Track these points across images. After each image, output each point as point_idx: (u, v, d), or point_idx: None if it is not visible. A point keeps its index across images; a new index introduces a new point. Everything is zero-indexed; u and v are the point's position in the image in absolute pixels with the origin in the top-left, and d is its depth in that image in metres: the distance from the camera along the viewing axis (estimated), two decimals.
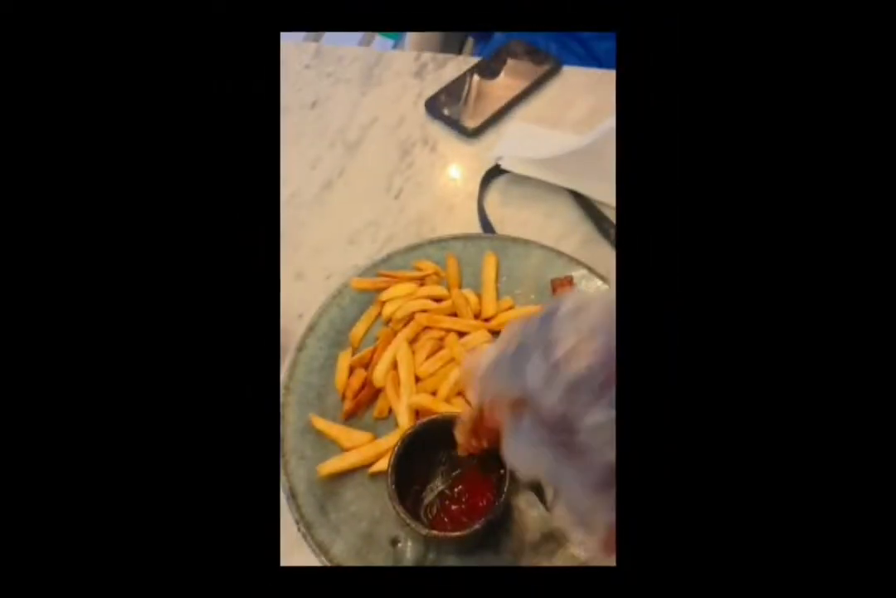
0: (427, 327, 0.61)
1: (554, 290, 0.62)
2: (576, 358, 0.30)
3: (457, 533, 0.48)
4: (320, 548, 0.52)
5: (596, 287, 0.63)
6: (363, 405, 0.59)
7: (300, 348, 0.62)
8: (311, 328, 0.63)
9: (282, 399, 0.59)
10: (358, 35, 1.26)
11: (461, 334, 0.61)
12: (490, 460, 0.50)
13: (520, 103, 0.80)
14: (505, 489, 0.48)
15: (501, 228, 0.70)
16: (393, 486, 0.49)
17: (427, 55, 0.86)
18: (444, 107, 0.80)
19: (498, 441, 0.37)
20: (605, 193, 0.70)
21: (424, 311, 0.62)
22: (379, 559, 0.52)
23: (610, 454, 0.29)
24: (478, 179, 0.73)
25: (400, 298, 0.63)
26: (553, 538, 0.53)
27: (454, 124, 0.78)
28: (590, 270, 0.63)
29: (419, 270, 0.65)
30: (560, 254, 0.65)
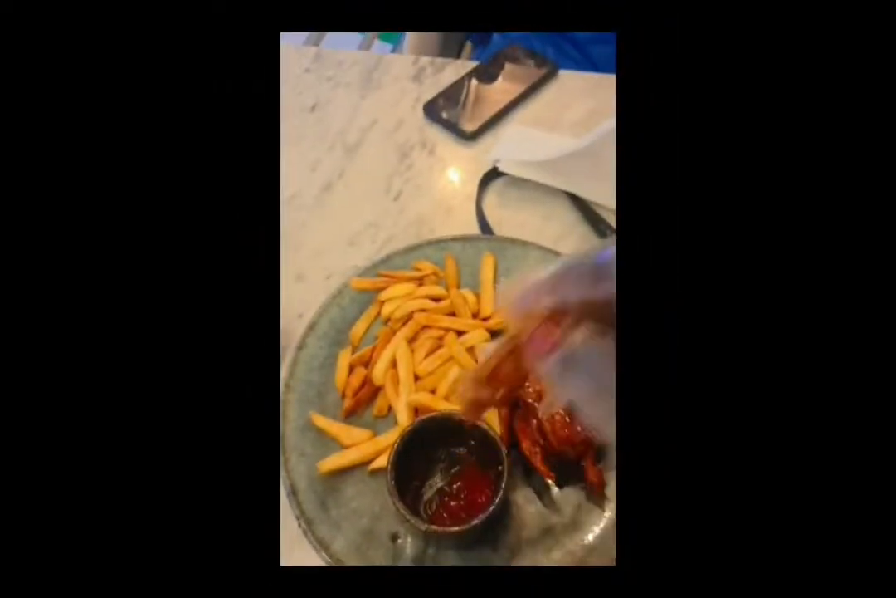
0: (426, 327, 0.62)
1: None
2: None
3: (456, 529, 0.49)
4: (321, 544, 0.53)
5: None
6: (363, 403, 0.60)
7: (301, 347, 0.62)
8: (311, 327, 0.63)
9: (282, 397, 0.60)
10: (357, 39, 1.27)
11: (460, 333, 0.61)
12: (489, 457, 0.51)
13: (517, 107, 0.81)
14: (503, 486, 0.49)
15: (500, 229, 0.71)
16: (393, 482, 0.50)
17: (425, 59, 0.87)
18: (443, 110, 0.81)
19: (516, 388, 0.36)
20: (601, 195, 0.71)
21: (423, 310, 0.62)
22: (379, 554, 0.53)
23: None
24: (476, 182, 0.74)
25: (399, 297, 0.64)
26: (551, 534, 0.53)
27: (452, 127, 0.79)
28: None
29: (418, 270, 0.66)
30: (557, 255, 0.66)
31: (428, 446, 0.53)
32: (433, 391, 0.59)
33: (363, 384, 0.60)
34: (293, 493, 0.55)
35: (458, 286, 0.65)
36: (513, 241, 0.67)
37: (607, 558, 0.52)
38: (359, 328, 0.64)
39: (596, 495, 0.54)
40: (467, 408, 0.43)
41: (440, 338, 0.61)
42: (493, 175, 0.75)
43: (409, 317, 0.62)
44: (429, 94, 0.82)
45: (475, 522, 0.48)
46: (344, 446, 0.57)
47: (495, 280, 0.65)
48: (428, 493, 0.53)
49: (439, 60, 0.87)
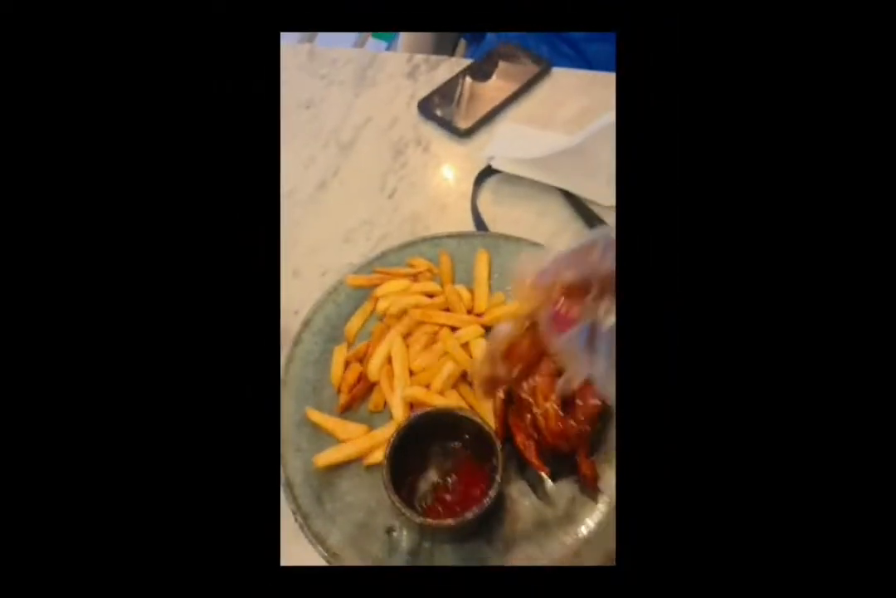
0: (421, 322, 0.62)
1: None
2: None
3: (451, 522, 0.49)
4: (317, 538, 0.53)
5: None
6: (358, 399, 0.60)
7: (296, 343, 0.63)
8: (306, 324, 0.64)
9: None
10: (352, 37, 1.27)
11: (454, 329, 0.62)
12: (483, 451, 0.52)
13: (511, 104, 0.81)
14: (498, 479, 0.50)
15: (494, 226, 0.71)
16: (388, 476, 0.50)
17: (420, 57, 0.87)
18: (437, 108, 0.81)
19: (533, 365, 0.36)
20: (594, 191, 0.72)
21: (418, 306, 0.63)
22: (375, 548, 0.53)
23: None
24: (470, 179, 0.75)
25: (394, 294, 0.64)
26: (545, 527, 0.54)
27: (447, 125, 0.80)
28: None
29: (413, 266, 0.67)
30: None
31: (423, 441, 0.53)
32: (428, 386, 0.59)
33: (358, 380, 0.61)
34: (289, 487, 0.55)
35: (453, 282, 0.66)
36: (507, 237, 0.68)
37: (601, 550, 0.52)
38: (354, 324, 0.64)
39: (589, 488, 0.55)
40: (483, 385, 0.43)
41: (435, 334, 0.62)
42: (487, 172, 0.75)
43: (403, 313, 0.63)
44: (423, 92, 0.83)
45: (470, 515, 0.49)
46: (340, 441, 0.58)
47: (489, 276, 0.66)
48: (423, 487, 0.53)
49: (433, 58, 0.87)
